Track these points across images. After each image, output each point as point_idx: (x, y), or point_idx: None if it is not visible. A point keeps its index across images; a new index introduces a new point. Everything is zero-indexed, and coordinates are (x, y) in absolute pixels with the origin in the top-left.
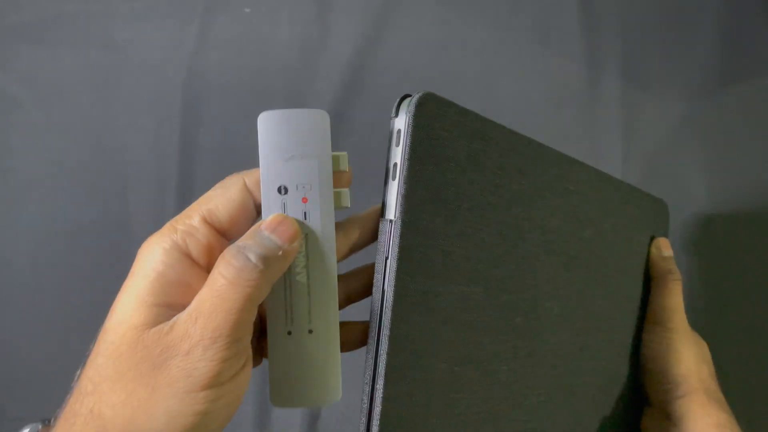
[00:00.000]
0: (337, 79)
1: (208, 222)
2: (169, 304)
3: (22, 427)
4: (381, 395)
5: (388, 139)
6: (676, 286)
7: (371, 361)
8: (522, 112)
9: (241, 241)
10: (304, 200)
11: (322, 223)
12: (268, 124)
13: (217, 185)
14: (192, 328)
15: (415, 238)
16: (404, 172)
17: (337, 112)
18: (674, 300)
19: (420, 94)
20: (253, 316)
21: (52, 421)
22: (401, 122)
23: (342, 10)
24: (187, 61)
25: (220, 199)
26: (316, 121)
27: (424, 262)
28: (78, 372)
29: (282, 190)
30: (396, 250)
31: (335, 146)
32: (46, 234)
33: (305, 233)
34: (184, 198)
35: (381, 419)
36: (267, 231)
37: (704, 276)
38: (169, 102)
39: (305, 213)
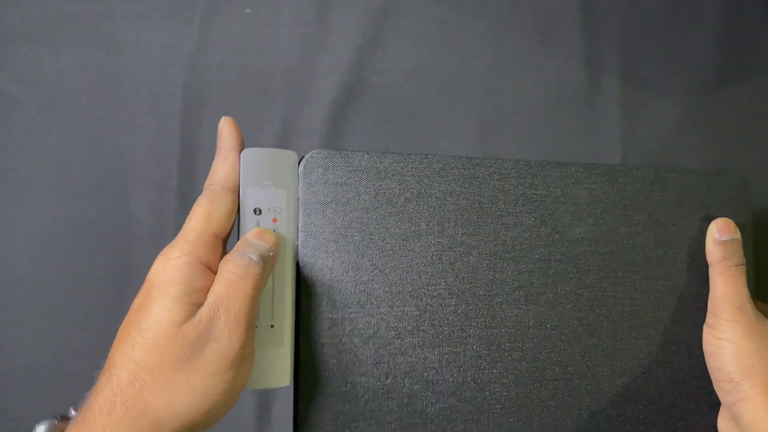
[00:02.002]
0: (337, 79)
1: (215, 233)
2: (197, 304)
3: (37, 424)
4: (299, 406)
5: None
6: (733, 272)
7: (296, 376)
8: (522, 112)
9: (239, 248)
10: (274, 220)
11: (286, 239)
12: (249, 158)
13: (203, 199)
14: (216, 315)
15: (320, 275)
16: (300, 222)
17: (337, 112)
18: (731, 289)
19: (310, 153)
20: (257, 305)
21: (75, 413)
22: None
23: (342, 11)
24: (187, 61)
25: (219, 210)
26: (287, 159)
27: (333, 293)
28: (96, 372)
29: (257, 211)
30: (300, 286)
31: (338, 145)
32: (47, 234)
33: None
34: (185, 198)
35: (299, 424)
36: (255, 239)
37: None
38: (170, 102)
39: (274, 230)
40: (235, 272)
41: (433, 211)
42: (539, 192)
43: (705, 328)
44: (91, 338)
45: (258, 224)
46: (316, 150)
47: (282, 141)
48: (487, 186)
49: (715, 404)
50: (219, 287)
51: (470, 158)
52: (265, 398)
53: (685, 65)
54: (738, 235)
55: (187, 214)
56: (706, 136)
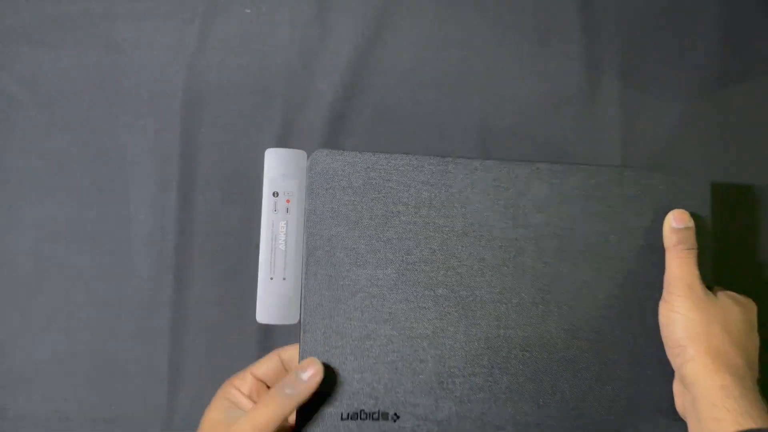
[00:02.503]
0: (337, 79)
1: (256, 377)
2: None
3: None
4: (302, 339)
5: None
6: (685, 256)
7: (301, 316)
8: (521, 113)
9: (282, 382)
10: (287, 201)
11: (297, 215)
12: (270, 155)
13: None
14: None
15: (320, 242)
16: (306, 203)
17: (337, 112)
18: (682, 270)
19: (315, 152)
20: (278, 424)
21: None
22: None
23: (342, 11)
24: (187, 61)
25: (266, 366)
26: (298, 156)
27: (329, 256)
28: None
29: (275, 194)
30: (305, 250)
31: (337, 145)
32: (47, 234)
33: (286, 221)
34: (185, 198)
35: (301, 351)
36: (300, 371)
37: (703, 276)
38: (170, 102)
39: (287, 209)
40: (263, 400)
41: (411, 197)
42: (503, 185)
43: (660, 303)
44: (92, 338)
45: (276, 204)
46: (319, 150)
47: (282, 141)
48: (456, 179)
49: (668, 374)
50: (256, 408)
51: (443, 157)
52: None
53: (684, 66)
54: (691, 224)
55: (187, 213)
56: (705, 136)
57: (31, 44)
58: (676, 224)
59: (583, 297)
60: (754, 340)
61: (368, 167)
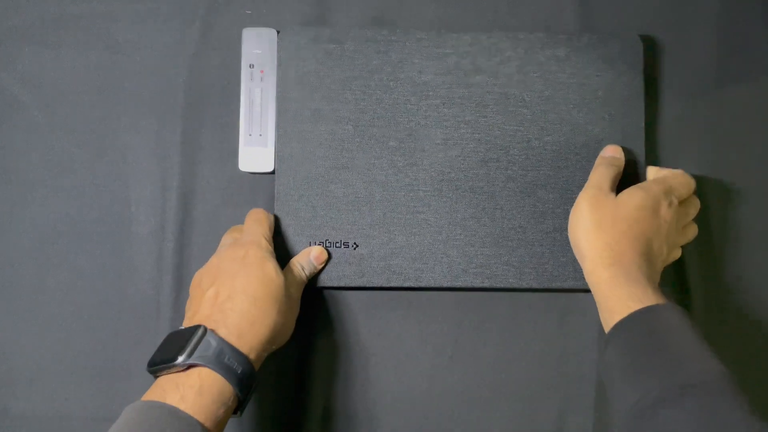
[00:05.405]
0: None
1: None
2: None
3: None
4: (276, 184)
5: None
6: (603, 169)
7: (275, 166)
8: None
9: (298, 261)
10: (261, 72)
11: (269, 83)
12: (247, 34)
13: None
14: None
15: (289, 104)
16: (277, 70)
17: None
18: (596, 176)
19: (283, 30)
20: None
21: None
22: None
23: (342, 12)
24: (188, 62)
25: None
26: (271, 33)
27: (297, 115)
28: None
29: (251, 66)
30: (276, 111)
31: None
32: (49, 233)
33: (261, 88)
34: (186, 198)
35: (276, 194)
36: (313, 259)
37: (702, 276)
38: (171, 103)
39: (261, 78)
40: (292, 280)
41: (365, 64)
42: (447, 51)
43: (571, 210)
44: (93, 337)
45: (252, 74)
46: (288, 26)
47: None
48: (404, 47)
49: None
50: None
51: (393, 29)
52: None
53: (682, 66)
54: (621, 157)
55: (188, 213)
56: (703, 136)
57: (33, 45)
58: (605, 153)
59: (518, 143)
60: (654, 223)
61: (328, 40)
